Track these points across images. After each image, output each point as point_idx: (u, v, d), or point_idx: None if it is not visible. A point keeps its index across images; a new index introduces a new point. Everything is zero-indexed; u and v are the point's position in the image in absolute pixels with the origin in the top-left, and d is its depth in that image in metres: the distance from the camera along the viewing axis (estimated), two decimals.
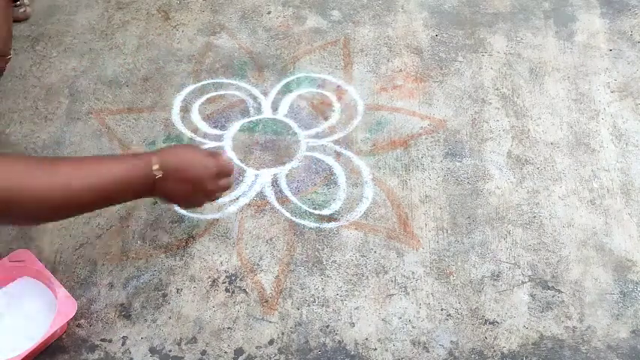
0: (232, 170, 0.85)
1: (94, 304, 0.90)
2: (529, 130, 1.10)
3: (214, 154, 0.83)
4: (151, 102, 1.14)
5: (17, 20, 1.24)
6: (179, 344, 0.86)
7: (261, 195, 1.02)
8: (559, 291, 0.91)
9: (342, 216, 0.99)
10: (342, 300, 0.90)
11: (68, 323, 0.86)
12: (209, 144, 1.08)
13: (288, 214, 0.99)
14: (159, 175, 0.76)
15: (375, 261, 0.94)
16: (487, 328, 0.88)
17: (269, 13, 1.30)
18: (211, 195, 0.84)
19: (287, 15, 1.29)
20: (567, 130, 1.10)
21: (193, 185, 0.80)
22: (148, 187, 0.76)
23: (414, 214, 0.99)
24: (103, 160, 0.76)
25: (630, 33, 1.25)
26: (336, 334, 0.87)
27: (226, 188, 0.86)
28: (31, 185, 0.66)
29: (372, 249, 0.95)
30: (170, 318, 0.89)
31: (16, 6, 1.21)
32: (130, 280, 0.92)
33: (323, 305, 0.90)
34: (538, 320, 0.88)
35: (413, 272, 0.93)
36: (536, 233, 0.97)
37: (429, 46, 1.23)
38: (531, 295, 0.91)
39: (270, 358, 0.85)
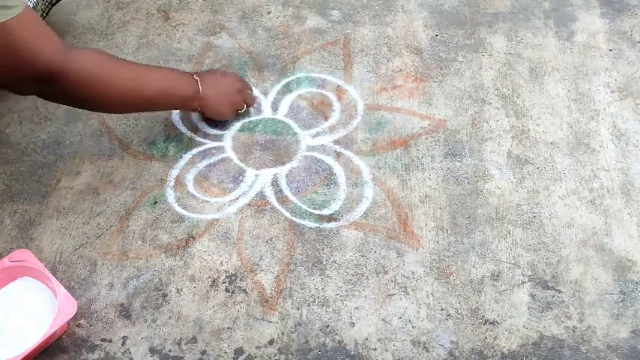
0: (251, 89, 1.12)
1: (94, 304, 0.90)
2: (529, 130, 1.10)
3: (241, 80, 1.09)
4: None
5: None
6: (179, 344, 0.86)
7: (261, 195, 1.02)
8: (559, 291, 0.91)
9: (342, 216, 0.99)
10: (342, 300, 0.90)
11: (68, 323, 0.86)
12: (209, 144, 1.08)
13: (288, 214, 0.99)
14: (198, 80, 0.99)
15: (375, 261, 0.94)
16: (487, 328, 0.88)
17: (269, 13, 1.30)
18: (238, 103, 1.07)
19: (287, 15, 1.29)
20: (567, 130, 1.10)
21: (224, 89, 1.04)
22: (193, 94, 0.99)
23: (414, 214, 0.99)
24: (162, 69, 1.02)
25: (630, 33, 1.25)
26: (336, 334, 0.87)
27: (250, 103, 1.11)
28: (120, 76, 0.89)
29: (372, 249, 0.95)
30: (170, 318, 0.89)
31: None
32: (130, 280, 0.92)
33: (323, 305, 0.90)
34: (538, 320, 0.88)
35: (413, 272, 0.93)
36: (536, 233, 0.97)
37: (429, 46, 1.23)
38: (531, 295, 0.91)
39: (270, 358, 0.85)
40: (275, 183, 1.03)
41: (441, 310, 0.89)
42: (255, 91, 1.16)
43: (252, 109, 1.13)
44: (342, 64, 1.20)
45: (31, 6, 1.03)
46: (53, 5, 1.17)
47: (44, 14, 1.16)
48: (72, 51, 0.84)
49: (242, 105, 1.08)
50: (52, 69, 0.81)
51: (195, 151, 1.08)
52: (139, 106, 0.97)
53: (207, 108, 1.03)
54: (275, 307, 0.90)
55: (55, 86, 0.83)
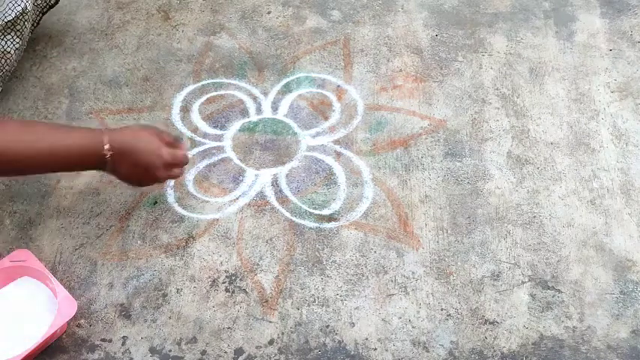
0: (186, 161, 0.89)
1: (94, 304, 0.90)
2: (529, 130, 1.10)
3: (172, 143, 0.86)
4: (151, 102, 1.14)
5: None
6: (179, 344, 0.86)
7: (261, 195, 1.02)
8: (559, 291, 0.91)
9: (342, 216, 0.99)
10: (342, 300, 0.90)
11: (68, 323, 0.86)
12: (209, 144, 1.08)
13: (288, 214, 0.99)
14: (108, 155, 0.79)
15: (375, 261, 0.94)
16: (487, 328, 0.88)
17: (269, 13, 1.30)
18: (160, 181, 0.87)
19: (287, 15, 1.29)
20: (567, 130, 1.10)
21: (143, 170, 0.83)
22: (97, 164, 0.81)
23: (414, 214, 0.99)
24: (59, 129, 0.81)
25: (630, 33, 1.25)
26: (336, 334, 0.87)
27: (176, 177, 0.90)
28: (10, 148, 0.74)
29: (372, 249, 0.95)
30: (170, 318, 0.89)
31: None
32: (130, 280, 0.92)
33: (323, 305, 0.90)
34: (538, 320, 0.88)
35: (413, 272, 0.93)
36: (536, 233, 0.97)
37: (429, 46, 1.23)
38: (531, 295, 0.91)
39: (270, 358, 0.85)
40: (275, 183, 1.03)
41: (441, 310, 0.89)
42: (255, 91, 1.16)
43: (251, 111, 1.13)
44: (342, 64, 1.20)
45: (20, 12, 1.02)
46: (44, 14, 1.17)
47: (36, 23, 1.16)
48: None
49: (163, 172, 0.86)
50: None
51: (195, 151, 1.08)
52: (28, 173, 0.86)
53: (115, 174, 0.85)
54: (275, 307, 0.90)
55: None
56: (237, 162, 1.06)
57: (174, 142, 0.87)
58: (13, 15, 1.02)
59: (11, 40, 1.05)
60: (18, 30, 1.05)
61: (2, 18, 1.01)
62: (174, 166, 0.86)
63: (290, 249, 0.96)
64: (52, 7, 1.17)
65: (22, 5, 1.03)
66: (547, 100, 1.14)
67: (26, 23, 1.07)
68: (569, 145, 1.08)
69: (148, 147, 0.83)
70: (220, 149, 1.08)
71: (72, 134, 0.79)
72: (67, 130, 0.82)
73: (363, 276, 0.93)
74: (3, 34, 1.03)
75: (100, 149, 0.79)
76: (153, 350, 0.86)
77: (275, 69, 1.20)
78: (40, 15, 1.16)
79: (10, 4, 1.01)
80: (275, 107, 1.14)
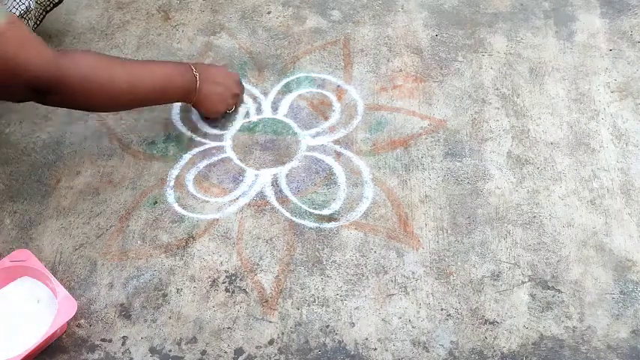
0: (244, 89, 1.13)
1: (94, 304, 0.90)
2: (529, 130, 1.10)
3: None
4: None
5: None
6: (179, 344, 0.86)
7: (261, 195, 1.02)
8: (559, 291, 0.91)
9: (342, 216, 0.99)
10: (342, 300, 0.90)
11: (68, 323, 0.86)
12: (209, 144, 1.08)
13: (288, 214, 0.99)
14: (197, 75, 1.00)
15: (375, 261, 0.94)
16: (487, 328, 0.88)
17: (269, 13, 1.30)
18: (229, 105, 1.09)
19: (287, 15, 1.29)
20: (567, 130, 1.10)
21: (222, 88, 1.04)
22: (191, 87, 1.00)
23: (414, 214, 0.99)
24: (159, 64, 1.03)
25: (630, 33, 1.25)
26: (336, 334, 0.87)
27: (239, 103, 1.12)
28: (115, 77, 0.89)
29: (372, 249, 0.95)
30: (170, 318, 0.89)
31: None
32: (130, 280, 0.92)
33: (323, 305, 0.90)
34: (538, 320, 0.88)
35: (413, 272, 0.93)
36: (536, 233, 0.97)
37: (429, 46, 1.23)
38: (531, 295, 0.91)
39: (270, 358, 0.85)
40: (275, 183, 1.03)
41: (441, 310, 0.89)
42: (255, 91, 1.16)
43: (251, 111, 1.13)
44: (342, 64, 1.20)
45: (24, 10, 1.03)
46: (48, 12, 1.17)
47: (39, 21, 1.15)
48: (63, 58, 0.84)
49: (232, 107, 1.10)
50: (44, 80, 0.81)
51: (195, 151, 1.08)
52: (136, 103, 0.98)
53: (199, 104, 1.05)
54: (275, 307, 0.90)
55: (52, 95, 0.83)
56: (237, 162, 1.06)
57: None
58: (17, 13, 1.02)
59: None
60: None
61: None
62: (241, 93, 1.11)
63: (290, 249, 0.96)
64: (56, 5, 1.17)
65: (26, 4, 1.03)
66: (547, 100, 1.14)
67: (29, 22, 1.07)
68: (569, 145, 1.08)
69: (222, 71, 1.07)
70: (220, 149, 1.08)
71: (165, 66, 1.00)
72: (164, 65, 1.02)
73: (363, 276, 0.93)
74: None
75: (189, 71, 0.99)
76: (153, 350, 0.86)
77: (275, 69, 1.20)
78: (44, 13, 1.16)
79: (14, 3, 1.01)
80: (275, 107, 1.14)
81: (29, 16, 1.05)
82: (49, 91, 0.83)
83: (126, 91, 0.91)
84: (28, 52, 0.79)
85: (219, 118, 1.10)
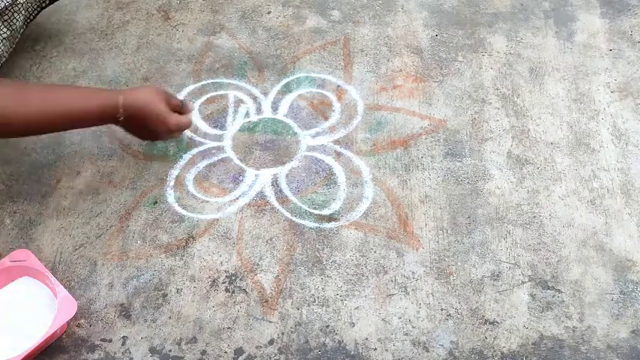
0: (188, 126, 0.97)
1: (94, 304, 0.90)
2: (529, 130, 1.10)
3: (179, 107, 0.95)
4: None
5: None
6: (179, 344, 0.86)
7: (261, 195, 1.02)
8: (559, 291, 0.91)
9: (342, 216, 0.99)
10: (342, 300, 0.90)
11: (68, 323, 0.86)
12: (209, 144, 1.08)
13: (288, 214, 0.99)
14: (121, 117, 0.89)
15: (375, 261, 0.94)
16: (487, 328, 0.88)
17: (269, 13, 1.30)
18: (161, 139, 0.99)
19: (287, 15, 1.29)
20: (567, 130, 1.10)
21: (149, 132, 0.93)
22: (110, 121, 0.89)
23: (414, 214, 0.99)
24: (79, 91, 0.92)
25: (630, 33, 1.25)
26: (336, 334, 0.87)
27: (176, 137, 1.01)
28: (21, 110, 0.82)
29: (372, 249, 0.95)
30: (170, 318, 0.89)
31: None
32: (130, 280, 0.92)
33: (323, 305, 0.90)
34: (538, 320, 0.88)
35: (413, 272, 0.93)
36: (536, 233, 0.97)
37: (429, 46, 1.23)
38: (531, 295, 0.91)
39: (270, 358, 0.85)
40: (275, 183, 1.03)
41: (441, 310, 0.89)
42: (255, 91, 1.16)
43: (251, 111, 1.13)
44: (342, 64, 1.20)
45: (10, 2, 1.02)
46: (43, 8, 1.16)
47: (32, 16, 1.15)
48: None
49: (165, 137, 0.96)
50: None
51: (195, 151, 1.08)
52: (47, 129, 0.90)
53: (125, 129, 0.94)
54: (275, 307, 0.90)
55: None
56: (237, 162, 1.06)
57: (181, 106, 0.96)
58: (2, 5, 1.02)
59: None
60: (6, 20, 1.05)
61: None
62: (177, 132, 0.96)
63: (290, 249, 0.96)
64: (52, 2, 1.17)
65: None
66: (547, 100, 1.14)
67: (16, 14, 1.06)
68: (569, 145, 1.08)
69: (157, 115, 0.91)
70: (220, 149, 1.08)
71: (92, 96, 0.89)
72: (87, 92, 0.93)
73: (363, 276, 0.93)
74: None
75: (115, 111, 0.88)
76: (153, 350, 0.86)
77: (275, 69, 1.20)
78: (38, 9, 1.15)
79: None
80: (275, 107, 1.14)
81: (16, 8, 1.04)
82: None
83: (28, 127, 0.85)
84: None
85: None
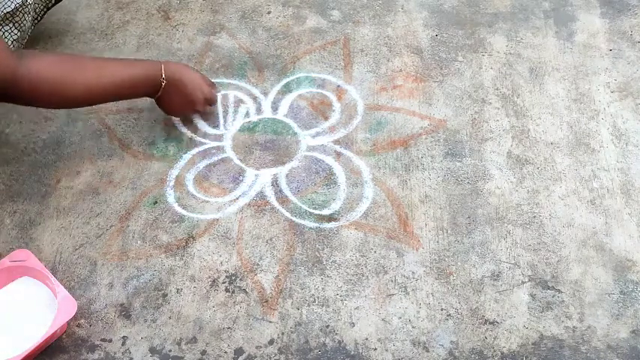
0: (216, 101, 1.10)
1: (94, 304, 0.90)
2: (529, 130, 1.10)
3: (211, 84, 1.07)
4: (151, 102, 1.14)
5: None
6: (179, 344, 0.86)
7: (261, 195, 1.02)
8: (559, 291, 0.91)
9: (342, 216, 0.99)
10: (342, 300, 0.90)
11: (68, 323, 0.86)
12: (209, 144, 1.08)
13: (288, 214, 0.99)
14: (164, 83, 0.97)
15: (375, 261, 0.94)
16: (487, 328, 0.88)
17: (269, 13, 1.30)
18: (193, 112, 1.08)
19: (287, 15, 1.29)
20: (567, 130, 1.10)
21: (187, 100, 1.02)
22: (154, 90, 0.98)
23: (414, 214, 0.99)
24: (123, 63, 0.97)
25: (630, 33, 1.25)
26: (336, 334, 0.87)
27: (208, 112, 1.10)
28: (79, 78, 0.89)
29: (372, 249, 0.95)
30: (170, 318, 0.89)
31: None
32: (130, 280, 0.92)
33: (323, 305, 0.90)
34: (538, 320, 0.88)
35: (413, 272, 0.93)
36: (536, 233, 0.97)
37: (429, 46, 1.23)
38: (531, 295, 0.91)
39: (270, 358, 0.85)
40: (275, 183, 1.03)
41: (441, 310, 0.89)
42: (255, 91, 1.16)
43: (251, 111, 1.13)
44: (342, 64, 1.20)
45: (20, 4, 1.03)
46: (49, 8, 1.17)
47: (39, 17, 1.15)
48: (23, 62, 0.84)
49: (201, 106, 1.06)
50: (3, 81, 0.82)
51: (195, 151, 1.08)
52: (97, 103, 0.96)
53: (159, 104, 1.03)
54: (275, 307, 0.90)
55: (13, 94, 0.85)
56: (237, 162, 1.06)
57: (212, 84, 1.08)
58: (13, 7, 1.02)
59: (9, 32, 1.05)
60: (17, 22, 1.05)
61: (1, 9, 1.01)
62: (209, 103, 1.07)
63: (290, 249, 0.96)
64: (58, 1, 1.17)
65: None
66: (547, 100, 1.14)
67: (26, 15, 1.06)
68: (569, 145, 1.08)
69: (195, 82, 1.02)
70: (220, 149, 1.08)
71: (134, 65, 0.96)
72: (131, 63, 0.98)
73: (363, 276, 0.93)
74: (1, 25, 1.03)
75: (158, 77, 0.96)
76: (153, 350, 0.86)
77: (275, 69, 1.20)
78: (45, 9, 1.16)
79: None
80: (275, 107, 1.14)
81: (26, 10, 1.05)
82: (8, 91, 0.84)
83: (81, 95, 0.91)
84: None
85: (183, 116, 1.11)
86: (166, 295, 0.91)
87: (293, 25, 1.27)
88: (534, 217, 0.99)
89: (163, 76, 0.96)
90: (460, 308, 0.90)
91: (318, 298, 0.91)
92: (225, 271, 0.93)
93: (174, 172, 1.05)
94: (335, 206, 1.00)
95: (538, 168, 1.05)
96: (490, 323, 0.88)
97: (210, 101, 1.07)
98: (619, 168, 1.05)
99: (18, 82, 0.83)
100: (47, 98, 0.89)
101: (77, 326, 0.88)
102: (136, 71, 0.95)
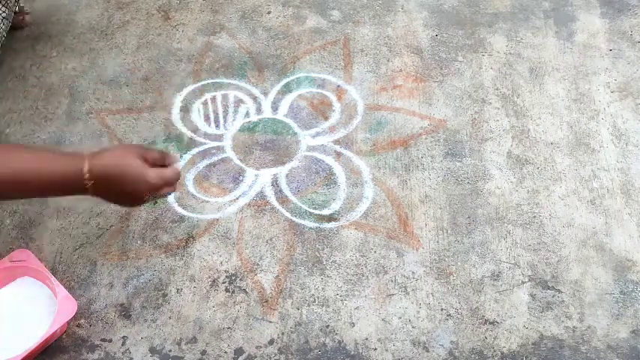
0: (177, 178, 0.77)
1: (94, 304, 0.90)
2: (529, 130, 1.10)
3: (159, 160, 0.77)
4: (151, 102, 1.14)
5: (15, 27, 1.23)
6: (179, 344, 0.86)
7: (261, 195, 1.02)
8: (559, 291, 0.91)
9: (342, 216, 0.99)
10: (342, 300, 0.90)
11: (68, 323, 0.86)
12: (209, 144, 1.08)
13: (288, 214, 0.99)
14: (89, 184, 0.72)
15: (375, 261, 0.94)
16: (487, 328, 0.88)
17: (269, 13, 1.30)
18: (146, 201, 0.77)
19: (287, 15, 1.29)
20: (567, 130, 1.10)
21: (129, 196, 0.75)
22: (77, 191, 0.73)
23: (414, 214, 0.99)
24: (41, 156, 0.73)
25: (630, 33, 1.25)
26: (336, 334, 0.87)
27: (167, 195, 0.81)
28: None
29: (372, 249, 0.95)
30: (170, 318, 0.89)
31: (15, 13, 1.21)
32: (130, 280, 0.92)
33: (323, 305, 0.90)
34: (538, 320, 0.88)
35: (413, 272, 0.93)
36: (536, 233, 0.97)
37: (429, 46, 1.23)
38: (531, 295, 0.91)
39: (270, 358, 0.85)
40: (275, 183, 1.03)
41: (441, 310, 0.89)
42: (255, 91, 1.16)
43: (251, 111, 1.13)
44: (342, 64, 1.20)
45: None
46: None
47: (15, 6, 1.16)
48: None
49: (154, 193, 0.76)
50: None
51: (195, 151, 1.08)
52: (10, 199, 0.80)
53: (105, 200, 0.76)
54: (275, 307, 0.90)
55: None
56: (237, 162, 1.06)
57: (161, 158, 0.77)
58: None
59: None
60: (3, 0, 1.07)
61: None
62: (164, 187, 0.76)
63: (290, 249, 0.96)
64: None
65: None
66: (547, 100, 1.14)
67: None
68: (569, 145, 1.08)
69: (133, 173, 0.74)
70: (220, 149, 1.08)
71: (50, 161, 0.72)
72: (44, 156, 0.74)
73: (363, 276, 0.93)
74: None
75: (79, 178, 0.72)
76: (153, 350, 0.86)
77: (275, 69, 1.20)
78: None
79: None
80: (275, 107, 1.14)
81: None
82: None
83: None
84: None
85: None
86: (166, 295, 0.91)
87: (293, 25, 1.27)
88: (534, 217, 0.99)
89: (87, 175, 0.71)
90: (460, 308, 0.90)
91: (318, 298, 0.91)
92: (225, 271, 0.93)
93: None
94: (335, 206, 1.00)
95: (538, 168, 1.05)
96: (490, 323, 0.88)
97: (164, 184, 0.75)
98: (619, 168, 1.05)
99: None
100: None
101: (77, 326, 0.88)
102: (51, 169, 0.71)
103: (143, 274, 0.93)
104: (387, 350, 0.86)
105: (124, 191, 0.74)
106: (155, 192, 0.76)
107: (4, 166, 0.69)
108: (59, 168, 0.71)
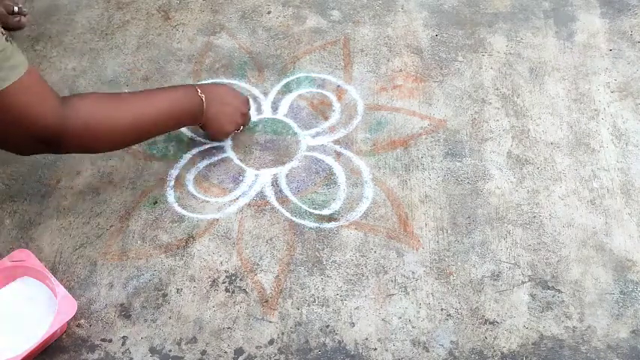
0: (250, 107, 1.07)
1: (94, 304, 0.90)
2: (529, 130, 1.10)
3: (245, 99, 1.05)
4: None
5: (11, 29, 1.23)
6: (179, 344, 0.86)
7: (261, 195, 1.02)
8: (559, 291, 0.91)
9: (342, 216, 0.99)
10: (342, 300, 0.90)
11: (68, 323, 0.86)
12: (209, 144, 1.08)
13: (288, 214, 0.99)
14: (203, 97, 0.95)
15: (375, 261, 0.94)
16: (487, 328, 0.88)
17: (269, 13, 1.30)
18: (238, 125, 1.04)
19: (287, 15, 1.29)
20: (567, 130, 1.10)
21: (230, 108, 1.01)
22: (198, 110, 0.96)
23: (414, 214, 0.99)
24: (162, 93, 0.95)
25: (630, 33, 1.25)
26: (336, 334, 0.87)
27: (246, 122, 1.07)
28: (114, 118, 0.86)
29: (372, 249, 0.95)
30: (170, 318, 0.89)
31: (12, 13, 1.21)
32: (130, 280, 0.92)
33: (323, 305, 0.90)
34: (538, 320, 0.88)
35: (413, 272, 0.93)
36: (536, 233, 0.97)
37: (429, 46, 1.23)
38: (531, 295, 0.91)
39: (270, 358, 0.85)
40: (275, 183, 1.03)
41: (441, 310, 0.89)
42: (255, 91, 1.16)
43: (251, 111, 1.13)
44: (342, 64, 1.20)
45: None
46: None
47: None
48: (68, 107, 0.81)
49: (240, 127, 1.05)
50: (50, 132, 0.79)
51: (195, 150, 1.08)
52: (146, 136, 0.94)
53: (207, 126, 1.01)
54: (275, 307, 0.90)
55: (59, 145, 0.82)
56: (237, 162, 1.06)
57: (245, 98, 1.06)
58: None
59: None
60: None
61: None
62: (248, 111, 1.06)
63: (290, 249, 0.96)
64: None
65: None
66: (547, 100, 1.14)
67: None
68: (569, 145, 1.08)
69: (229, 89, 1.03)
70: (220, 149, 1.08)
71: (168, 93, 0.94)
72: (165, 93, 0.95)
73: (363, 276, 0.93)
74: None
75: (196, 94, 0.95)
76: (153, 350, 0.86)
77: (275, 69, 1.20)
78: None
79: None
80: (275, 107, 1.14)
81: None
82: (54, 142, 0.81)
83: (130, 129, 0.88)
84: (40, 103, 0.77)
85: (225, 139, 1.08)
86: (166, 295, 0.91)
87: (293, 25, 1.27)
88: (534, 217, 0.99)
89: (199, 91, 0.95)
90: (460, 308, 0.90)
91: (318, 298, 0.91)
92: (225, 271, 0.93)
93: (174, 172, 1.05)
94: (335, 206, 1.00)
95: (538, 168, 1.05)
96: (490, 323, 0.88)
97: (247, 106, 1.05)
98: (619, 168, 1.05)
99: (68, 127, 0.80)
100: (100, 137, 0.85)
101: (77, 326, 0.88)
102: (176, 95, 0.94)
103: (143, 274, 0.93)
104: (387, 350, 0.86)
105: (225, 103, 1.00)
106: (245, 110, 1.04)
107: (149, 102, 0.91)
108: (182, 91, 0.95)
